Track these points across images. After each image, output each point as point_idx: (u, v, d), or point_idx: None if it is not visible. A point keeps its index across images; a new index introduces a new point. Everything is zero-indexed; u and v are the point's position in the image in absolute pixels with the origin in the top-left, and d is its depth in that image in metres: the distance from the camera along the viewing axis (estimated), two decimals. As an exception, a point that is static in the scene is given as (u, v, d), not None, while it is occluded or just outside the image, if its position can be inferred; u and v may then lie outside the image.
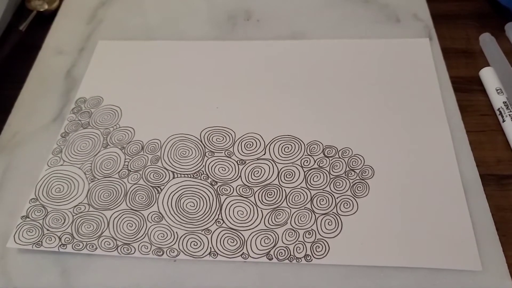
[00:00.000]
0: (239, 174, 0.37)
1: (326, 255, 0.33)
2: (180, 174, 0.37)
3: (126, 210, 0.35)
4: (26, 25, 0.50)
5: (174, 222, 0.35)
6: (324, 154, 0.38)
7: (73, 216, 0.35)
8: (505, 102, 0.39)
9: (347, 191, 0.36)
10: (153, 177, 0.37)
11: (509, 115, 0.38)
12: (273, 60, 0.45)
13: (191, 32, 0.48)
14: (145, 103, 0.42)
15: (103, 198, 0.36)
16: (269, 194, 0.36)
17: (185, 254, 0.33)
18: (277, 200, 0.35)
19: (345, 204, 0.35)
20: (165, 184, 0.37)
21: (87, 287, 0.32)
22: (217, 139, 0.39)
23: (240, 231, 0.34)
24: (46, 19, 0.51)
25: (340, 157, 0.37)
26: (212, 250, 0.33)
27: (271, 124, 0.40)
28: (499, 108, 0.39)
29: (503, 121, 0.39)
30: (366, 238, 0.33)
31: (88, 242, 0.34)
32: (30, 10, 0.51)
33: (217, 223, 0.34)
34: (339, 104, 0.41)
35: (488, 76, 0.42)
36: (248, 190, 0.36)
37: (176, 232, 0.34)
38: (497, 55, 0.43)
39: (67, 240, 0.34)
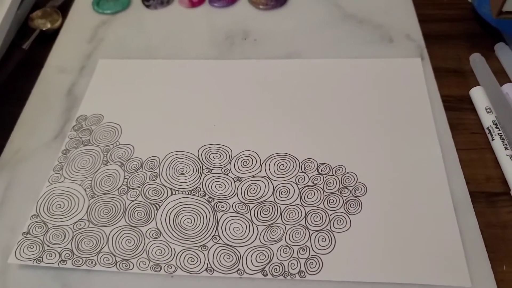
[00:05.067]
0: (235, 191, 0.38)
1: (319, 271, 0.33)
2: (178, 191, 0.38)
3: (125, 227, 0.36)
4: (29, 44, 0.51)
5: (171, 238, 0.36)
6: (318, 171, 0.39)
7: (73, 232, 0.36)
8: (494, 121, 0.40)
9: (340, 208, 0.36)
10: (152, 193, 0.38)
11: (498, 134, 0.39)
12: (269, 79, 0.46)
13: (190, 51, 0.50)
14: (144, 121, 0.43)
15: (102, 214, 0.37)
16: (265, 211, 0.37)
17: (182, 270, 0.34)
18: (272, 217, 0.36)
19: (339, 221, 0.36)
20: (163, 200, 0.38)
21: (86, 303, 0.33)
22: (214, 157, 0.40)
23: (236, 247, 0.35)
24: (48, 38, 0.53)
25: (333, 175, 0.38)
26: (209, 266, 0.34)
27: (267, 142, 0.41)
28: (488, 127, 0.41)
29: (492, 139, 0.40)
30: (358, 254, 0.34)
31: (87, 258, 0.35)
32: (33, 29, 0.53)
33: (213, 239, 0.35)
34: (333, 123, 0.42)
35: (478, 96, 0.43)
36: (244, 207, 0.37)
37: (174, 248, 0.35)
38: (486, 75, 0.44)
39: (67, 256, 0.35)
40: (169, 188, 0.38)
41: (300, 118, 0.42)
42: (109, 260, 0.35)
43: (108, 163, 0.40)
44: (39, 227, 0.37)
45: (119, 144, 0.42)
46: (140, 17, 0.54)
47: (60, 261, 0.35)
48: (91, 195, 0.38)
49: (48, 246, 0.35)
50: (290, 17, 0.53)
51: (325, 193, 0.37)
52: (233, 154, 0.40)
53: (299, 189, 0.38)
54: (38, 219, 0.37)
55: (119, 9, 0.55)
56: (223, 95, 0.45)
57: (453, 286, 0.32)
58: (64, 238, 0.36)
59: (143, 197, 0.38)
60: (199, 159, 0.40)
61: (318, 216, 0.36)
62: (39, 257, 0.35)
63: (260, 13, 0.53)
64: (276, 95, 0.45)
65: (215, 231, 0.36)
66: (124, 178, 0.39)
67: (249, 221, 0.36)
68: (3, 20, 0.49)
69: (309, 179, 0.38)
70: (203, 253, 0.35)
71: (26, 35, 0.52)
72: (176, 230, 0.36)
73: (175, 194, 0.38)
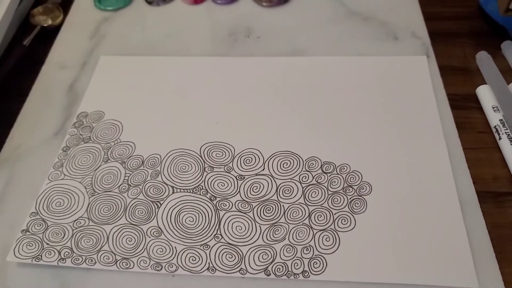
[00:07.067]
0: (238, 190, 0.37)
1: (323, 271, 0.33)
2: (180, 189, 0.38)
3: (126, 225, 0.36)
4: (30, 40, 0.50)
5: (173, 237, 0.35)
6: (322, 170, 0.38)
7: (73, 230, 0.36)
8: (501, 120, 0.40)
9: (344, 207, 0.36)
10: (153, 191, 0.37)
11: (505, 132, 0.39)
12: (273, 76, 0.45)
13: (192, 48, 0.49)
14: (146, 118, 0.43)
15: (103, 212, 0.36)
16: (268, 210, 0.36)
17: (184, 269, 0.33)
18: (275, 216, 0.36)
19: (343, 220, 0.35)
20: (165, 199, 0.37)
21: (85, 302, 0.33)
22: (217, 155, 0.39)
23: (239, 247, 0.34)
24: (49, 34, 0.52)
25: (338, 173, 0.38)
26: (211, 265, 0.33)
27: (270, 139, 0.40)
28: (495, 126, 0.40)
29: (500, 138, 0.39)
30: (363, 254, 0.33)
31: (87, 257, 0.34)
32: (34, 25, 0.52)
33: (215, 238, 0.35)
34: (337, 121, 0.41)
35: (485, 94, 0.42)
36: (247, 205, 0.36)
37: (175, 247, 0.34)
38: (493, 73, 0.44)
39: (66, 254, 0.34)
40: (171, 186, 0.38)
41: (304, 116, 0.42)
42: (109, 258, 0.34)
43: (109, 161, 0.40)
44: (39, 225, 0.36)
45: (120, 142, 0.41)
46: (142, 14, 0.54)
47: (60, 259, 0.34)
48: (92, 193, 0.38)
49: (47, 244, 0.35)
50: (294, 14, 0.52)
51: (329, 192, 0.37)
52: (235, 152, 0.40)
53: (302, 187, 0.37)
54: (37, 216, 0.36)
55: (121, 6, 0.54)
56: (225, 92, 0.44)
57: (460, 287, 0.32)
58: (64, 236, 0.35)
59: (144, 195, 0.37)
60: (201, 157, 0.39)
61: (322, 215, 0.35)
62: (38, 255, 0.34)
63: (263, 10, 0.53)
64: (279, 93, 0.44)
65: (217, 230, 0.35)
66: (125, 176, 0.39)
67: (252, 220, 0.35)
68: (3, 16, 0.48)
69: (313, 177, 0.38)
70: (205, 252, 0.34)
71: (27, 32, 0.52)
72: (178, 228, 0.35)
73: (177, 192, 0.37)
